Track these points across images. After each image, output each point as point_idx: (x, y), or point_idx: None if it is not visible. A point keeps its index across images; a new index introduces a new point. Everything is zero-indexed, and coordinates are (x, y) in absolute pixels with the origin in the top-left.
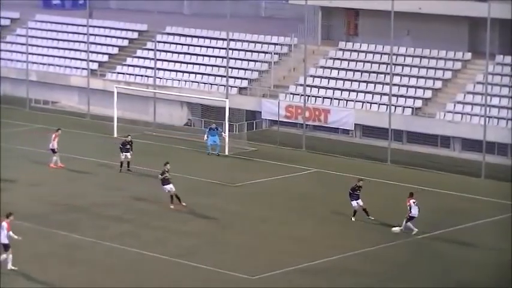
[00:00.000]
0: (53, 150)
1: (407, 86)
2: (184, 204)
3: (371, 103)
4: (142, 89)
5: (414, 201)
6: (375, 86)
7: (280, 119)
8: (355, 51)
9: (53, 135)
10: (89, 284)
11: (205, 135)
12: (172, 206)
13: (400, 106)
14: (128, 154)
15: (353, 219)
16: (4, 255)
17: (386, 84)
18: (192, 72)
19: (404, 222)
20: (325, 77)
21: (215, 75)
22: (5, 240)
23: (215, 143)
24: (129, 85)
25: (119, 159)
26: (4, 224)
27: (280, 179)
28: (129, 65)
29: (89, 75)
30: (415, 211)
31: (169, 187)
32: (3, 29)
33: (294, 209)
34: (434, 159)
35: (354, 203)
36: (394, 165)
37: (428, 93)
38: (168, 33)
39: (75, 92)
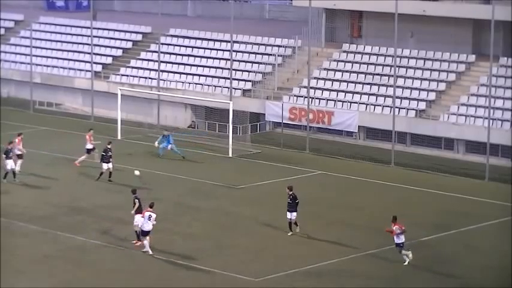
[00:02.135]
0: (88, 151)
1: (411, 88)
2: (138, 244)
3: (375, 105)
4: (146, 91)
5: (398, 227)
6: (378, 88)
7: (284, 121)
8: (359, 53)
9: (87, 136)
10: (94, 285)
11: (157, 142)
12: (136, 243)
13: (404, 108)
14: (110, 164)
15: (290, 233)
16: (145, 241)
17: (390, 86)
18: (196, 74)
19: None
20: (329, 79)
21: (219, 77)
22: (148, 227)
23: (165, 148)
24: (133, 87)
25: (102, 168)
26: (148, 214)
27: (284, 181)
28: (133, 67)
29: (93, 77)
30: (398, 239)
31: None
32: (7, 31)
33: (298, 210)
34: (438, 161)
35: (289, 214)
36: (398, 167)
37: (432, 96)
38: (172, 36)
39: (79, 94)
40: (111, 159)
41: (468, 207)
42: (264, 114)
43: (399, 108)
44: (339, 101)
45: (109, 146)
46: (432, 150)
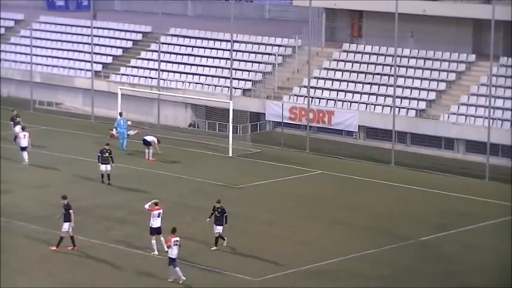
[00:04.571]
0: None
1: (411, 88)
2: (70, 248)
3: (375, 105)
4: (147, 91)
5: (177, 239)
6: (379, 87)
7: (284, 121)
8: (359, 53)
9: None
10: (94, 285)
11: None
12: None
13: (404, 108)
14: (108, 166)
15: (213, 248)
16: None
17: (391, 86)
18: (196, 74)
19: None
20: (329, 79)
21: (219, 77)
22: (157, 224)
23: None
24: (133, 87)
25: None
26: (157, 212)
27: (284, 181)
28: (133, 67)
29: (93, 76)
30: (173, 253)
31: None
32: (7, 30)
33: (298, 210)
34: (438, 161)
35: (216, 228)
36: (398, 167)
37: (432, 95)
38: (172, 35)
39: (79, 94)
40: (109, 161)
41: (468, 207)
42: (264, 113)
43: (399, 108)
44: (339, 100)
45: (106, 147)
46: (432, 150)
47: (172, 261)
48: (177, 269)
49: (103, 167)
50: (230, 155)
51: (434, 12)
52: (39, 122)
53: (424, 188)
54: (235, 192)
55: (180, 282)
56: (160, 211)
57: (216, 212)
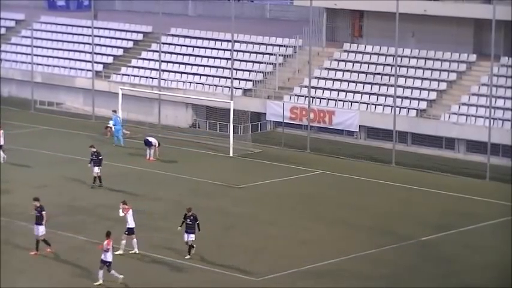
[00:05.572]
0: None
1: (412, 88)
2: (48, 250)
3: (376, 105)
4: (147, 91)
5: (106, 244)
6: (379, 87)
7: (285, 121)
8: (360, 52)
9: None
10: (94, 286)
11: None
12: (48, 250)
13: (405, 108)
14: (96, 168)
15: (188, 256)
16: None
17: (391, 85)
18: (197, 74)
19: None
20: (330, 79)
21: (220, 77)
22: (132, 224)
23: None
24: (134, 87)
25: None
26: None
27: (284, 181)
28: (134, 67)
29: (94, 76)
30: (105, 257)
31: (42, 229)
32: (8, 30)
33: (298, 210)
34: (439, 161)
35: (186, 236)
36: (399, 167)
37: (433, 95)
38: (173, 35)
39: (80, 94)
40: (97, 163)
41: (469, 207)
42: (265, 113)
43: (400, 108)
44: (339, 100)
45: (93, 150)
46: (433, 150)
47: (109, 264)
48: (113, 271)
49: (95, 169)
50: (231, 155)
51: (435, 12)
52: (40, 122)
53: (425, 188)
54: (236, 192)
55: (120, 282)
56: (131, 209)
57: (188, 220)
